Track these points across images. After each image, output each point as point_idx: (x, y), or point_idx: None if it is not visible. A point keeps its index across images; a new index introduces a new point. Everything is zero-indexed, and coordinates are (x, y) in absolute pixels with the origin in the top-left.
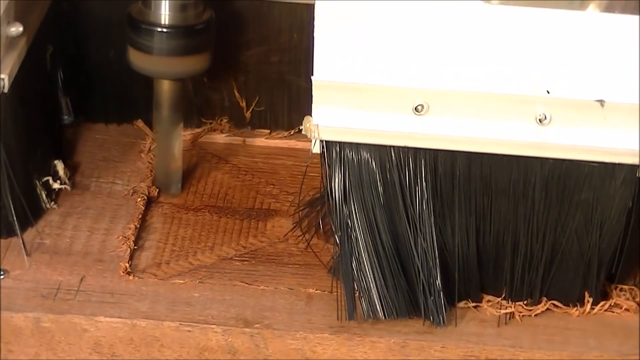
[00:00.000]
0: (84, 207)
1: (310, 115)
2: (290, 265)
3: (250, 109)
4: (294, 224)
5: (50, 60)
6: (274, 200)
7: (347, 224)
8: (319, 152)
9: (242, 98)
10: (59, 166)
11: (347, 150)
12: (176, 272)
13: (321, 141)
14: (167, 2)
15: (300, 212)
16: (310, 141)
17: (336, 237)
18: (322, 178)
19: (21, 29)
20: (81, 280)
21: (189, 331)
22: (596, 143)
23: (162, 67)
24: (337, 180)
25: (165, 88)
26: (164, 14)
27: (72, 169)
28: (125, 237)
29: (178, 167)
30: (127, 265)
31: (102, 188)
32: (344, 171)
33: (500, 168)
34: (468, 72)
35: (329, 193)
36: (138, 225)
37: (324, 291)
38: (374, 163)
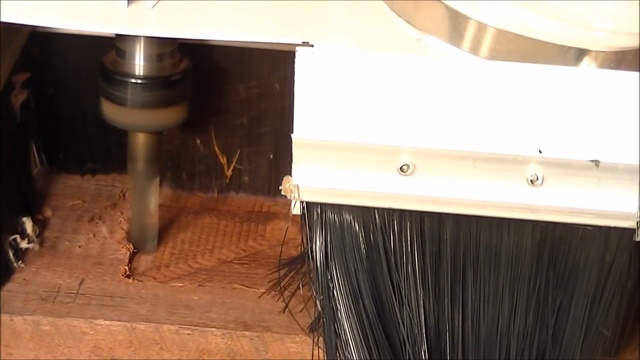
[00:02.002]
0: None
1: (290, 175)
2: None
3: (231, 167)
4: (272, 285)
5: (20, 109)
6: (273, 203)
7: (329, 288)
8: (299, 213)
9: (223, 154)
10: (28, 224)
11: (329, 212)
12: (176, 275)
13: (301, 202)
14: (142, 51)
15: (279, 272)
16: (290, 202)
17: (317, 301)
18: (302, 240)
19: None
20: (80, 283)
21: (188, 334)
22: (591, 205)
23: (136, 119)
24: (318, 242)
25: (140, 141)
26: (139, 64)
27: (43, 224)
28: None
29: (154, 223)
30: (127, 268)
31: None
32: (325, 233)
33: (489, 231)
34: (456, 130)
35: (310, 256)
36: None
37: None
38: (356, 225)
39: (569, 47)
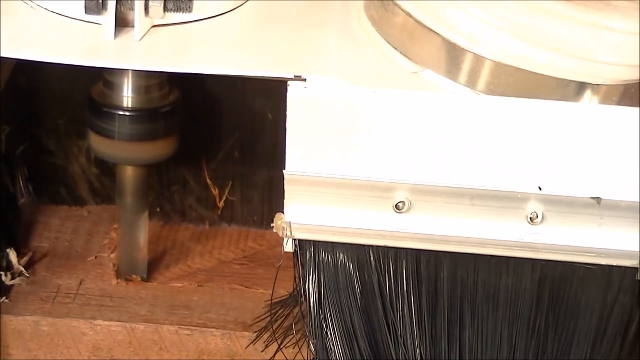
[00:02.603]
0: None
1: (282, 212)
2: (290, 269)
3: (223, 199)
4: (263, 328)
5: (5, 141)
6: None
7: (322, 328)
8: (291, 251)
9: (214, 186)
10: (12, 255)
11: (322, 250)
12: (175, 276)
13: (294, 240)
14: (130, 83)
15: (271, 313)
16: (282, 239)
17: (310, 343)
18: (294, 279)
19: None
20: (80, 283)
21: (188, 334)
22: (592, 244)
23: (124, 152)
24: (311, 282)
25: (128, 174)
26: (127, 95)
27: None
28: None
29: (143, 258)
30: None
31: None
32: (318, 272)
33: (488, 270)
34: (454, 166)
35: (302, 295)
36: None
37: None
38: (350, 264)
39: (570, 80)
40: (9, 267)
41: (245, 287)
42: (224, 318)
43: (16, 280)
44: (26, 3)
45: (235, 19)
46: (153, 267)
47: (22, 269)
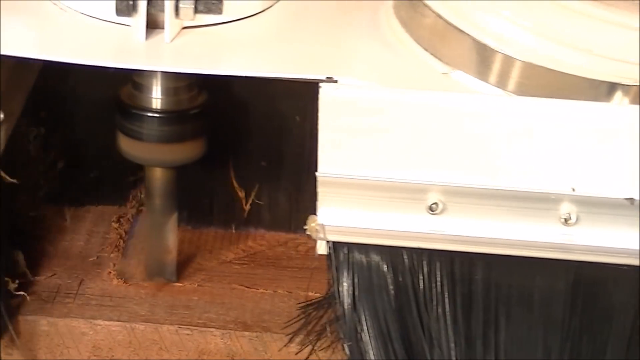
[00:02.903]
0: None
1: (315, 214)
2: (289, 269)
3: (250, 201)
4: (296, 331)
5: (33, 144)
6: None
7: (357, 331)
8: (324, 253)
9: (241, 188)
10: (19, 257)
11: (356, 252)
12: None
13: (327, 242)
14: (159, 85)
15: (304, 316)
16: (315, 242)
17: (345, 346)
18: (328, 281)
19: (2, 116)
20: (80, 283)
21: (188, 334)
22: (626, 244)
23: (153, 154)
24: (345, 284)
25: (157, 176)
26: (156, 97)
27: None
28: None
29: (172, 259)
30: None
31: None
32: (352, 274)
33: (522, 272)
34: (487, 167)
35: (337, 298)
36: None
37: (323, 294)
38: (385, 266)
39: (601, 81)
40: (15, 269)
41: (246, 287)
42: (224, 318)
43: (21, 293)
44: (55, 4)
45: (264, 21)
46: None
47: (28, 272)
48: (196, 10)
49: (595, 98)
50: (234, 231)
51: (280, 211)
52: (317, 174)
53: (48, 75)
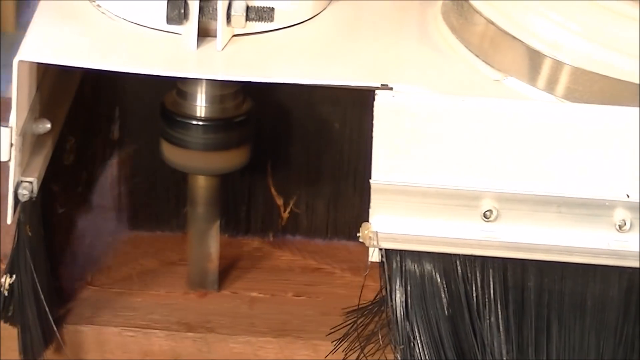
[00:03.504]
0: None
1: (368, 221)
2: (234, 269)
3: (288, 209)
4: (343, 337)
5: (70, 153)
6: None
7: (409, 338)
8: (377, 261)
9: (279, 196)
10: None
11: (409, 259)
12: (120, 278)
13: (380, 250)
14: (204, 92)
15: (357, 322)
16: (368, 249)
17: (397, 351)
18: (380, 289)
19: (49, 125)
20: None
21: (131, 336)
22: None
23: (198, 162)
24: (398, 291)
25: (201, 184)
26: (200, 105)
27: None
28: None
29: (214, 267)
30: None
31: None
32: (405, 282)
33: (575, 279)
34: (540, 174)
35: (390, 305)
36: None
37: (266, 294)
38: (437, 273)
39: None
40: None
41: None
42: (168, 319)
43: None
44: (104, 13)
45: (314, 28)
46: (97, 269)
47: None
48: (247, 18)
49: None
50: (271, 239)
51: (317, 219)
52: (371, 180)
53: (85, 84)
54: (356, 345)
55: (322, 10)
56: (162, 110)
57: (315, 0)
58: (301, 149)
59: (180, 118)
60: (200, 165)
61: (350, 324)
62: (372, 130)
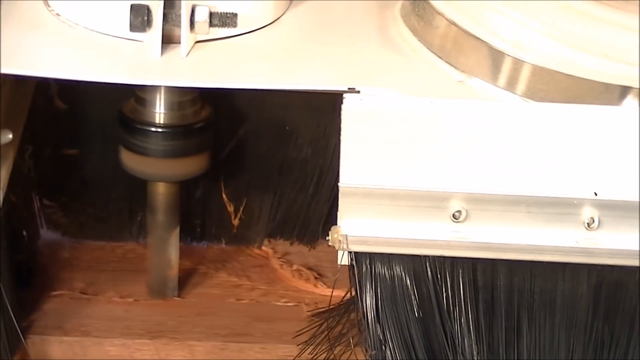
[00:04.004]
0: None
1: (337, 224)
2: (108, 272)
3: (238, 216)
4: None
5: (28, 161)
6: None
7: (380, 341)
8: (346, 264)
9: (230, 203)
10: None
11: (378, 262)
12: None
13: (349, 253)
14: (162, 99)
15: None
16: (337, 253)
17: (369, 355)
18: (350, 291)
19: (10, 136)
20: None
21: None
22: None
23: (158, 169)
24: (368, 294)
25: (160, 191)
26: (159, 112)
27: None
28: None
29: (174, 275)
30: None
31: None
32: (375, 285)
33: (544, 277)
34: (508, 174)
35: (360, 308)
36: None
37: (141, 298)
38: (407, 275)
39: (615, 85)
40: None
41: (65, 291)
42: (43, 323)
43: None
44: (64, 22)
45: (275, 32)
46: None
47: None
48: (211, 24)
49: (609, 101)
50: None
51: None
52: (339, 184)
53: (43, 93)
54: (323, 348)
55: (282, 15)
56: (120, 117)
57: (276, 4)
58: (255, 153)
59: (139, 125)
60: (160, 172)
61: (316, 327)
62: (339, 134)
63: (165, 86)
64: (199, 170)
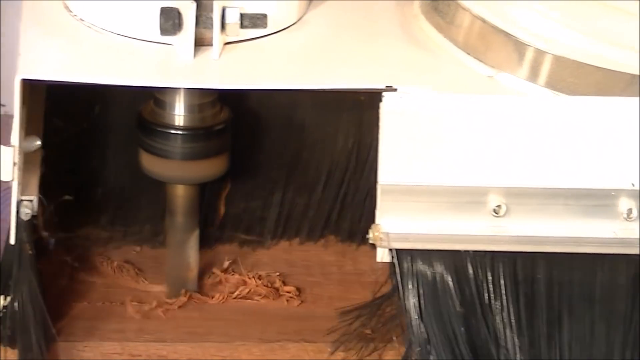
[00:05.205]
0: None
1: (376, 222)
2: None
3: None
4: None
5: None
6: None
7: (424, 334)
8: (387, 261)
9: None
10: None
11: (419, 259)
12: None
13: (390, 250)
14: (182, 102)
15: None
16: (376, 249)
17: (414, 352)
18: (393, 288)
19: (39, 142)
20: None
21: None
22: None
23: (177, 171)
24: (410, 291)
25: (179, 193)
26: (179, 114)
27: None
28: None
29: (193, 276)
30: None
31: None
32: (416, 281)
33: (583, 269)
34: (546, 168)
35: (402, 305)
36: None
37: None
38: (448, 271)
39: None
40: None
41: None
42: None
43: None
44: (89, 27)
45: (302, 32)
46: None
47: None
48: (241, 26)
49: (633, 93)
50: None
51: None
52: (379, 182)
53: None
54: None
55: (303, 15)
56: (139, 120)
57: (300, 5)
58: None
59: (159, 128)
60: (179, 175)
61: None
62: (377, 133)
63: (185, 88)
64: (219, 173)
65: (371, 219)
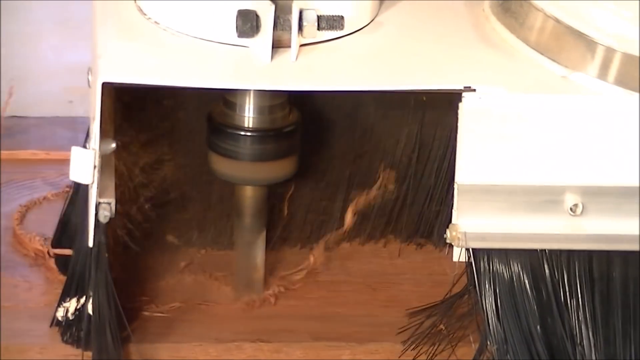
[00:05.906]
0: None
1: (453, 222)
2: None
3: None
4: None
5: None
6: None
7: (502, 336)
8: (463, 260)
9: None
10: None
11: (496, 257)
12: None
13: (467, 249)
14: (252, 103)
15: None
16: (452, 249)
17: (491, 353)
18: (468, 287)
19: (114, 145)
20: None
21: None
22: None
23: (247, 173)
24: (487, 290)
25: (248, 194)
26: (249, 116)
27: None
28: None
29: (260, 277)
30: None
31: None
32: (493, 280)
33: None
34: (623, 166)
35: (480, 304)
36: None
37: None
38: (524, 270)
39: None
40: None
41: None
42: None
43: None
44: (165, 30)
45: (374, 34)
46: None
47: None
48: (319, 27)
49: None
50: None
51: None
52: (456, 182)
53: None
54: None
55: (376, 16)
56: (209, 121)
57: (373, 5)
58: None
59: (229, 129)
60: (249, 176)
61: (418, 324)
62: (455, 133)
63: (255, 90)
64: (288, 174)
65: (432, 219)
